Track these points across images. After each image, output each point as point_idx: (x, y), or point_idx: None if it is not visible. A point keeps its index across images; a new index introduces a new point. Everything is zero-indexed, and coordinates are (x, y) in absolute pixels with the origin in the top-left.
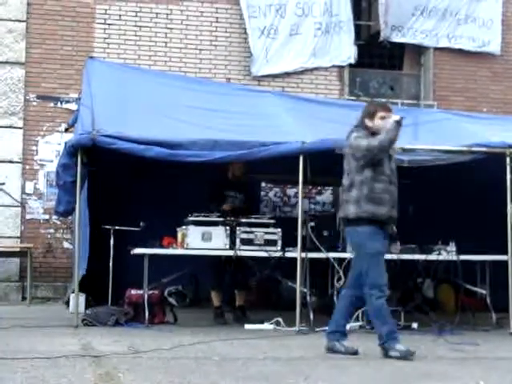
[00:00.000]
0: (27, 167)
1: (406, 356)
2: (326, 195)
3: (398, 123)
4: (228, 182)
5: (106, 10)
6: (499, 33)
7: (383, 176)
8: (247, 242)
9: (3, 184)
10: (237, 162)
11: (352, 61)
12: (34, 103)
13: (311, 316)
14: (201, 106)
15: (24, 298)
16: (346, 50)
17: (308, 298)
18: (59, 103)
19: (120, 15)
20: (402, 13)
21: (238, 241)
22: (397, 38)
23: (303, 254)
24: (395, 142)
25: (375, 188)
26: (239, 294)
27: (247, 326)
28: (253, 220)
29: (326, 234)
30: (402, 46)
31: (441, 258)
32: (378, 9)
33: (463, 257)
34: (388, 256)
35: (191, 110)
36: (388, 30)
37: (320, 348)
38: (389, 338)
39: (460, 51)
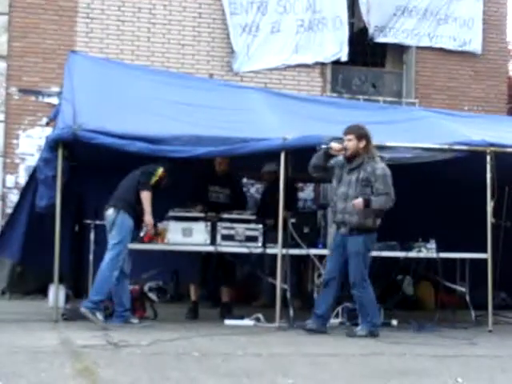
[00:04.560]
0: (8, 161)
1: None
2: (308, 192)
3: (324, 152)
4: (213, 176)
5: (88, 4)
6: (480, 32)
7: (333, 189)
8: (228, 237)
9: None
10: (220, 157)
11: (345, 58)
12: (16, 97)
13: (291, 312)
14: (183, 101)
15: (3, 293)
16: (329, 47)
17: (288, 294)
18: (41, 97)
19: (103, 9)
20: (384, 13)
21: (218, 237)
22: (379, 38)
23: (284, 251)
24: (316, 166)
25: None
26: (225, 290)
27: (227, 322)
28: (234, 216)
29: (306, 230)
30: (384, 44)
31: (421, 255)
32: (360, 8)
33: (443, 254)
34: None
35: (174, 106)
36: (371, 30)
37: (300, 344)
38: None
39: (442, 50)
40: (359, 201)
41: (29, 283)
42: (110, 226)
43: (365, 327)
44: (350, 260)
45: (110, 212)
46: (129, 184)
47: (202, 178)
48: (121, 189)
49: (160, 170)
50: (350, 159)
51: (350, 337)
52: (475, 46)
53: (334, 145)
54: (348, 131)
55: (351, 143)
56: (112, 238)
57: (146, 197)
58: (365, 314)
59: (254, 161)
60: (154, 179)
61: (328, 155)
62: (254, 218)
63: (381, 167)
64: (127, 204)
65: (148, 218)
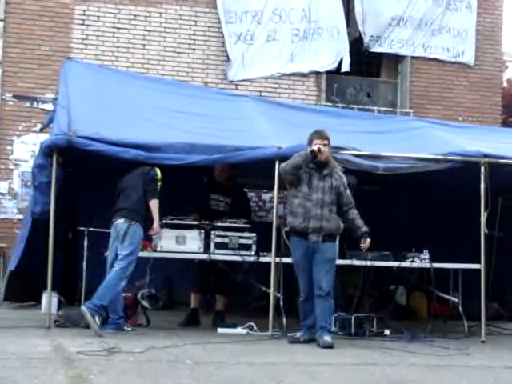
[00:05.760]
0: (2, 167)
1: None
2: None
3: (311, 153)
4: (216, 185)
5: (84, 10)
6: (473, 43)
7: (300, 193)
8: (221, 246)
9: None
10: (219, 165)
11: (347, 69)
12: (10, 103)
13: (284, 321)
14: (178, 109)
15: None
16: (325, 57)
17: (281, 303)
18: (35, 103)
19: (98, 16)
20: (379, 23)
21: (212, 245)
22: (374, 48)
23: (277, 259)
24: (298, 166)
25: (293, 203)
26: (219, 298)
27: (220, 330)
28: (227, 224)
29: None
30: (379, 54)
31: (414, 265)
32: (356, 18)
33: (436, 264)
34: (362, 262)
35: (168, 113)
36: (366, 40)
37: (292, 353)
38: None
39: (437, 60)
40: (368, 241)
41: (22, 290)
42: (121, 236)
43: (331, 333)
44: (324, 267)
45: (120, 223)
46: (136, 194)
47: (204, 185)
48: (128, 199)
49: (159, 173)
50: (321, 165)
51: (327, 348)
52: (468, 57)
53: (322, 147)
54: (325, 136)
55: (327, 149)
56: (123, 249)
57: (155, 205)
58: (329, 321)
59: (247, 170)
60: (159, 184)
61: (314, 158)
62: (247, 226)
63: (344, 175)
64: (139, 215)
65: (156, 225)
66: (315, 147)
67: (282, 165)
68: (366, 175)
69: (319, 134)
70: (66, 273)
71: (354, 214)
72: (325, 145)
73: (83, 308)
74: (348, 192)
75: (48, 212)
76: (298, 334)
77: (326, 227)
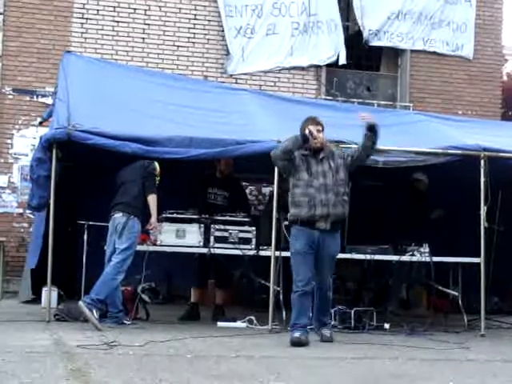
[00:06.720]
0: (2, 160)
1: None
2: None
3: (302, 136)
4: (214, 178)
5: (83, 4)
6: (472, 37)
7: (301, 181)
8: (221, 239)
9: None
10: (224, 159)
11: (343, 61)
12: (10, 96)
13: (284, 315)
14: (178, 102)
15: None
16: (324, 50)
17: (281, 296)
18: (35, 97)
19: (98, 10)
20: (378, 17)
21: (212, 238)
22: (374, 42)
23: (277, 253)
24: (288, 151)
25: (295, 193)
26: (219, 292)
27: (220, 324)
28: (227, 218)
29: None
30: (379, 48)
31: (414, 259)
32: (355, 12)
33: (436, 258)
34: (361, 256)
35: (168, 107)
36: (366, 33)
37: (292, 347)
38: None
39: (436, 54)
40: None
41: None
42: (119, 230)
43: (330, 327)
44: (329, 264)
45: (118, 217)
46: (134, 188)
47: (202, 180)
48: (127, 193)
49: (157, 167)
50: (316, 151)
51: (327, 342)
52: (467, 51)
53: (315, 132)
54: (318, 121)
55: (322, 134)
56: (121, 243)
57: (153, 200)
58: (328, 315)
59: (247, 163)
60: (158, 179)
61: (305, 142)
62: (247, 220)
63: (339, 149)
64: (137, 209)
65: (154, 219)
66: (306, 130)
67: (272, 151)
68: (366, 169)
69: (312, 120)
70: (65, 267)
71: (357, 148)
72: (318, 130)
73: (80, 303)
74: (350, 150)
75: (44, 205)
76: (298, 334)
77: (334, 213)
